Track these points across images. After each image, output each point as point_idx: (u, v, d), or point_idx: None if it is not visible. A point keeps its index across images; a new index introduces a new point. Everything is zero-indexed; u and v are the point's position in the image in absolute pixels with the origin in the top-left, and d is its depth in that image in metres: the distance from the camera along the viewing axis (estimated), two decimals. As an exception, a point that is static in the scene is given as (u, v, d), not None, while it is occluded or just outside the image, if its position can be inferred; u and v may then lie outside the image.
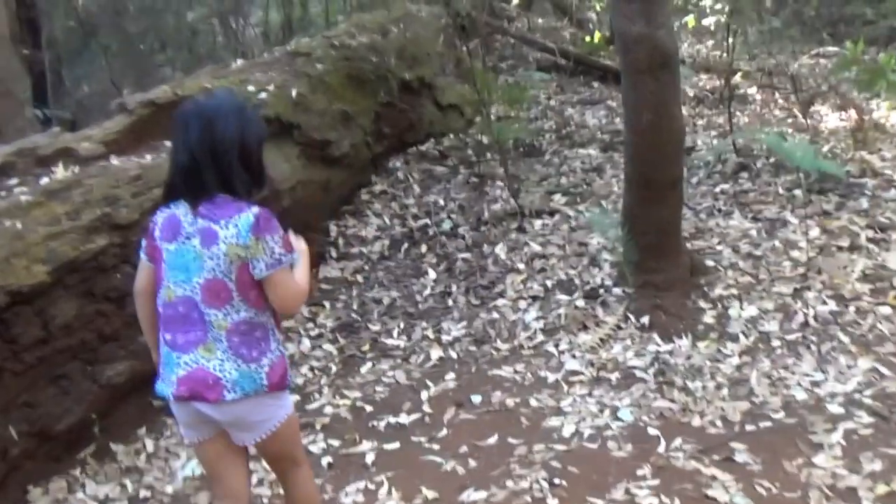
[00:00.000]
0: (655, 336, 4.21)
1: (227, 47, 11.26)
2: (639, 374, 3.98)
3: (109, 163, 4.15)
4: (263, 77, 5.38)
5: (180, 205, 2.25)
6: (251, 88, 5.14)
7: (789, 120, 7.43)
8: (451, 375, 4.15)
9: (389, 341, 4.50)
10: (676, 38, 4.10)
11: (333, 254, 5.29)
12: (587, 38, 9.74)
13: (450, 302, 4.79)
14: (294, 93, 5.32)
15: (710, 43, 10.01)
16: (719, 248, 4.92)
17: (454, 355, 4.34)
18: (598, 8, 10.91)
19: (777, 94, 8.19)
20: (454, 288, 4.89)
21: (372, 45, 6.39)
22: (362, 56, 6.21)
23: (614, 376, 3.99)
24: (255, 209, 2.19)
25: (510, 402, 3.87)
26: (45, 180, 3.83)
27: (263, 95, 5.10)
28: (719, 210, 5.39)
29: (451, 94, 7.58)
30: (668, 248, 4.36)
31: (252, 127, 2.28)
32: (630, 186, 4.33)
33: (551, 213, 5.56)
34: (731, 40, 7.48)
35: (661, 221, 4.29)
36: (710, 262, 4.70)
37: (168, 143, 4.54)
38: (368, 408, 3.92)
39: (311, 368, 4.25)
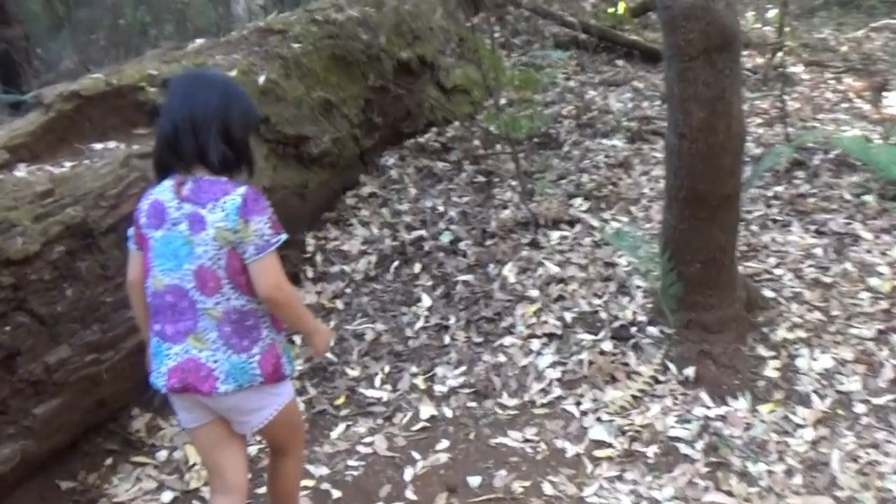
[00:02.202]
0: (703, 395, 3.31)
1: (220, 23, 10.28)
2: (683, 448, 3.10)
3: (11, 174, 3.27)
4: (226, 60, 4.48)
5: (165, 189, 2.18)
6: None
7: (844, 105, 6.45)
8: (443, 444, 3.28)
9: (370, 392, 3.62)
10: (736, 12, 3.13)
11: (310, 273, 4.41)
12: (610, 10, 8.73)
13: (446, 338, 3.90)
14: (262, 79, 4.42)
15: (750, 14, 8.98)
16: (778, 272, 4.00)
17: (449, 413, 3.46)
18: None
19: (826, 74, 7.19)
20: (452, 320, 4.00)
21: (363, 20, 5.46)
22: (350, 33, 5.28)
23: (652, 451, 3.11)
24: (242, 189, 2.12)
25: (517, 486, 3.01)
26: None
27: (226, 82, 4.19)
28: (774, 220, 4.47)
29: (458, 75, 6.64)
30: (719, 279, 3.44)
31: (238, 104, 2.21)
32: (673, 202, 3.41)
33: (571, 223, 4.64)
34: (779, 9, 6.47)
35: (713, 246, 3.37)
36: (768, 293, 3.78)
37: (98, 146, 3.71)
38: (336, 493, 3.06)
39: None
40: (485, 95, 7.06)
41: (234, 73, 4.26)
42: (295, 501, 2.60)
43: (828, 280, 3.86)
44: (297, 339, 3.96)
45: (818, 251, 4.10)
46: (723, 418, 3.20)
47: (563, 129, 6.31)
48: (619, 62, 8.00)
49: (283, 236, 2.17)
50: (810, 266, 3.98)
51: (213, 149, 2.13)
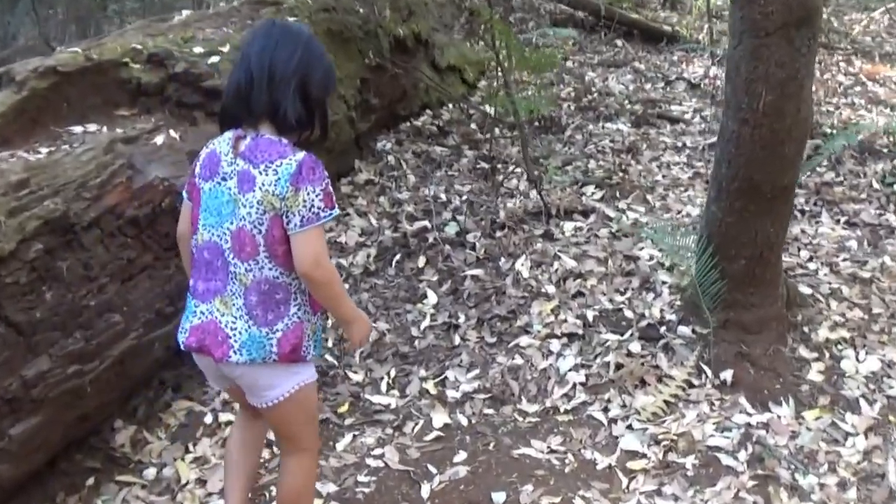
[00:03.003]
0: (743, 400, 3.07)
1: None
2: (725, 459, 2.85)
3: (-20, 162, 2.93)
4: (216, 34, 4.14)
5: (224, 140, 2.08)
6: (198, 50, 3.89)
7: (857, 88, 6.23)
8: (461, 455, 3.00)
9: (376, 399, 3.34)
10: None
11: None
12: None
13: (456, 339, 3.62)
14: (253, 57, 4.08)
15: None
16: (812, 266, 3.76)
17: (464, 421, 3.19)
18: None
19: (837, 57, 6.96)
20: (462, 318, 3.72)
21: (359, -8, 5.12)
22: (347, 6, 4.95)
23: (690, 462, 2.85)
24: (300, 155, 1.99)
25: (546, 502, 2.74)
26: None
27: (215, 59, 3.86)
28: (801, 211, 4.22)
29: (451, 54, 6.33)
30: (764, 276, 3.19)
31: (320, 63, 2.07)
32: (723, 193, 3.13)
33: (585, 213, 4.37)
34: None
35: (762, 241, 3.11)
36: (804, 289, 3.54)
37: (77, 129, 3.36)
38: (347, 513, 2.78)
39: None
40: (479, 76, 6.79)
41: (226, 49, 3.93)
42: None
43: (866, 275, 3.62)
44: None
45: (852, 244, 3.86)
46: (766, 426, 2.95)
47: (564, 113, 6.04)
48: (619, 42, 7.73)
49: (335, 212, 2.03)
50: (845, 260, 3.75)
51: (290, 106, 1.99)
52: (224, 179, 2.04)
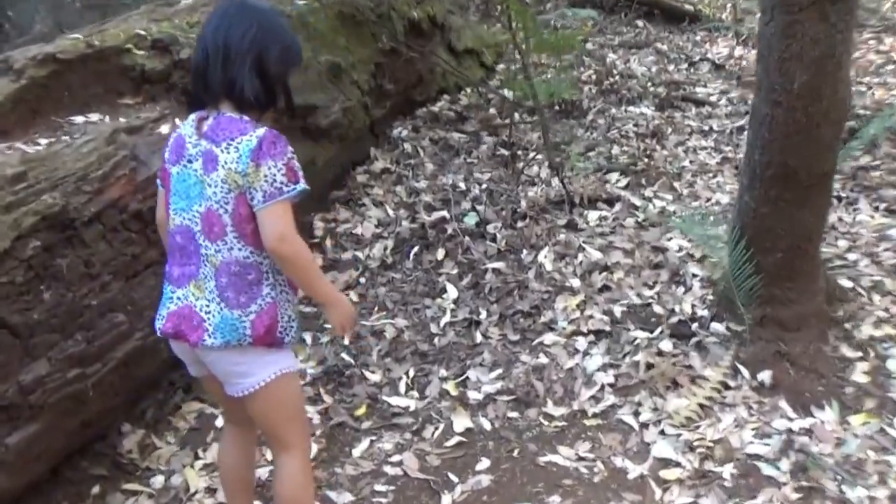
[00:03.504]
0: (783, 403, 2.88)
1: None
2: (766, 468, 2.67)
3: (-25, 155, 2.78)
4: (222, 19, 3.96)
5: (188, 123, 2.07)
6: (205, 35, 3.71)
7: (889, 67, 5.98)
8: (483, 463, 2.84)
9: (395, 400, 3.18)
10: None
11: (319, 261, 3.93)
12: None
13: (478, 336, 3.46)
14: (263, 41, 3.90)
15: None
16: (851, 257, 3.56)
17: (486, 425, 3.02)
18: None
19: (866, 34, 6.70)
20: (483, 314, 3.55)
21: (371, -27, 4.93)
22: (359, -12, 4.77)
23: (728, 471, 2.67)
24: (260, 131, 1.94)
25: (576, 515, 2.58)
26: None
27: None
28: (838, 197, 4.01)
29: (468, 37, 6.13)
30: (802, 269, 3.00)
31: (278, 38, 2.02)
32: (756, 182, 2.94)
33: (609, 202, 4.18)
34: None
35: (799, 233, 2.92)
36: (844, 282, 3.34)
37: (78, 119, 3.21)
38: (365, 526, 2.63)
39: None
40: (497, 59, 6.58)
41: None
42: None
43: (909, 267, 3.43)
44: (307, 335, 3.52)
45: (893, 232, 3.66)
46: (809, 432, 2.77)
47: (585, 96, 5.83)
48: (639, 23, 7.50)
49: (301, 186, 1.96)
50: (887, 250, 3.55)
51: (247, 83, 1.96)
52: (190, 162, 2.02)
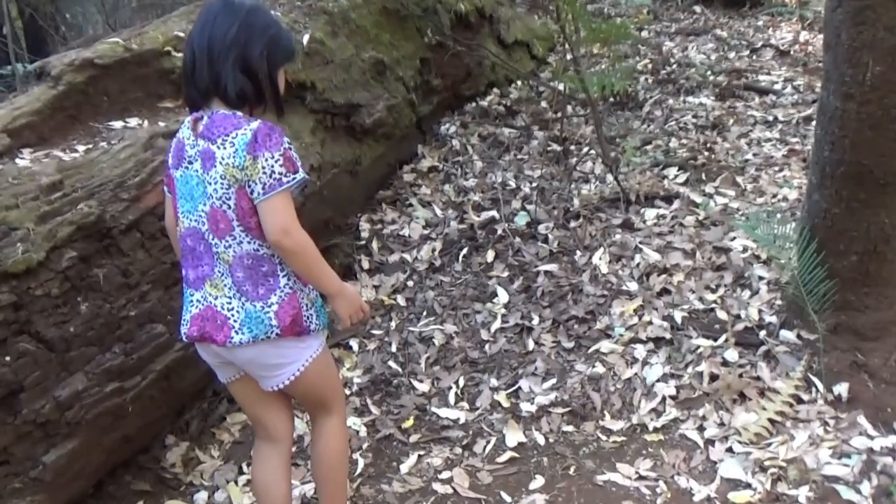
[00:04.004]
0: (862, 419, 2.66)
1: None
2: (845, 492, 2.46)
3: (13, 163, 2.72)
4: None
5: (185, 125, 2.08)
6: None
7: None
8: (538, 481, 2.69)
9: (444, 412, 3.05)
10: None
11: (365, 264, 3.82)
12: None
13: (530, 343, 3.30)
14: (306, 38, 3.81)
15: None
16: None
17: (540, 440, 2.87)
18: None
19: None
20: (535, 320, 3.39)
21: (415, -34, 4.79)
22: (403, -17, 4.63)
23: (804, 494, 2.47)
24: (254, 124, 1.95)
25: (637, 540, 2.41)
26: None
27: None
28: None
29: (518, 28, 5.94)
30: (879, 275, 2.76)
31: (262, 34, 2.03)
32: (827, 180, 2.72)
33: (668, 199, 3.97)
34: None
35: (876, 233, 2.69)
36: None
37: (116, 124, 3.15)
38: (412, 549, 2.50)
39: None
40: (548, 50, 6.39)
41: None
42: (341, 475, 2.32)
43: None
44: (353, 342, 3.40)
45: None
46: (892, 451, 2.55)
47: (641, 87, 5.60)
48: (697, 8, 7.22)
49: (301, 176, 1.97)
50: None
51: (230, 79, 1.98)
52: (190, 163, 2.03)
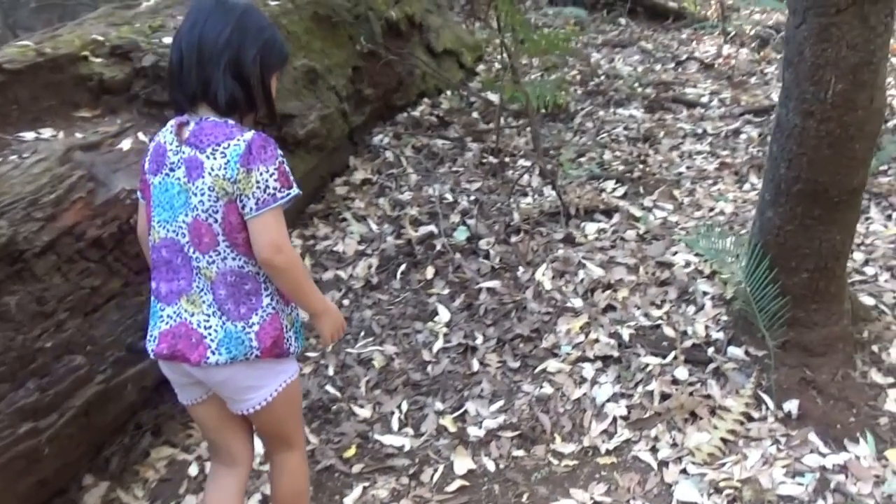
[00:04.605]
0: (814, 436, 2.65)
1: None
2: (801, 512, 2.43)
3: None
4: (188, 22, 3.64)
5: (167, 130, 1.95)
6: (169, 40, 3.39)
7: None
8: (490, 511, 2.57)
9: (387, 439, 2.90)
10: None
11: (299, 282, 3.63)
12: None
13: (474, 363, 3.19)
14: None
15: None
16: (870, 271, 3.35)
17: (490, 466, 2.75)
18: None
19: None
20: (479, 339, 3.28)
21: (345, -28, 4.64)
22: (334, -12, 4.47)
23: (760, 515, 2.44)
24: (248, 134, 1.83)
25: (596, 571, 2.32)
26: None
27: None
28: (849, 206, 3.79)
29: (447, 37, 5.85)
30: (829, 290, 2.77)
31: (256, 38, 1.90)
32: (782, 197, 2.70)
33: (608, 213, 3.93)
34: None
35: (828, 250, 2.69)
36: (866, 299, 3.13)
37: (28, 136, 2.90)
38: (360, 592, 2.34)
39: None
40: (477, 60, 6.32)
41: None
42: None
43: (933, 281, 3.22)
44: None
45: (911, 244, 3.45)
46: (844, 469, 2.54)
47: (571, 98, 5.59)
48: (622, 20, 7.28)
49: (294, 192, 1.87)
50: (907, 263, 3.34)
51: (221, 85, 1.86)
52: (172, 170, 1.90)
